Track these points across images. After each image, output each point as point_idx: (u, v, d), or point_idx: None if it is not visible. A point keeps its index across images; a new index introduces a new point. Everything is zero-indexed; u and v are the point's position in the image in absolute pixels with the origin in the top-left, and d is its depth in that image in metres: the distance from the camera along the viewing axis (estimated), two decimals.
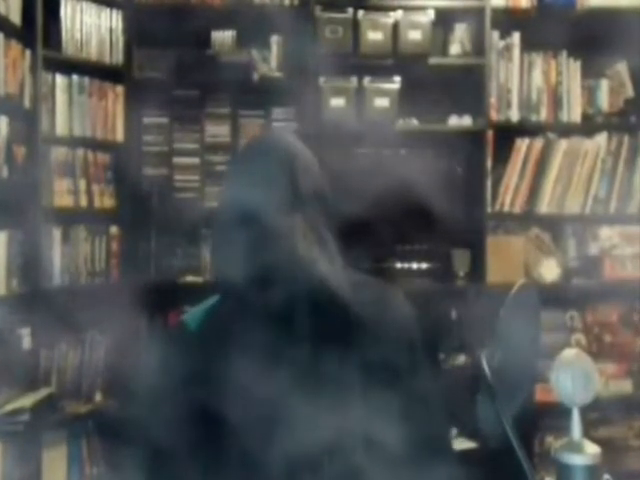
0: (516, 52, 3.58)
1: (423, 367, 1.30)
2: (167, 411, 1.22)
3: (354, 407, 1.19)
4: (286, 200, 1.24)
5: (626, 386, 3.52)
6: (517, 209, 3.56)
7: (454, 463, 1.34)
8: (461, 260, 3.54)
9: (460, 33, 3.60)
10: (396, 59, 3.47)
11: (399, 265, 3.57)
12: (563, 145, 3.58)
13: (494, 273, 3.43)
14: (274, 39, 3.61)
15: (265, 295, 1.19)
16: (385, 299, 1.32)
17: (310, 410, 1.15)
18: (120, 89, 3.54)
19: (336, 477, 1.17)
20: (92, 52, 3.44)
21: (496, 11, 3.49)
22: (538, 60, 3.60)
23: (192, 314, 1.30)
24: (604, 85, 3.63)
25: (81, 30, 3.40)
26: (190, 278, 3.55)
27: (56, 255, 3.31)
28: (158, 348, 1.31)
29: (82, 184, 3.41)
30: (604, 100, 3.63)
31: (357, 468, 1.17)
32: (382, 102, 3.46)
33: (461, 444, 3.14)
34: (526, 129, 3.58)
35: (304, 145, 1.35)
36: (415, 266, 3.58)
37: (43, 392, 3.15)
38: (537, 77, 3.60)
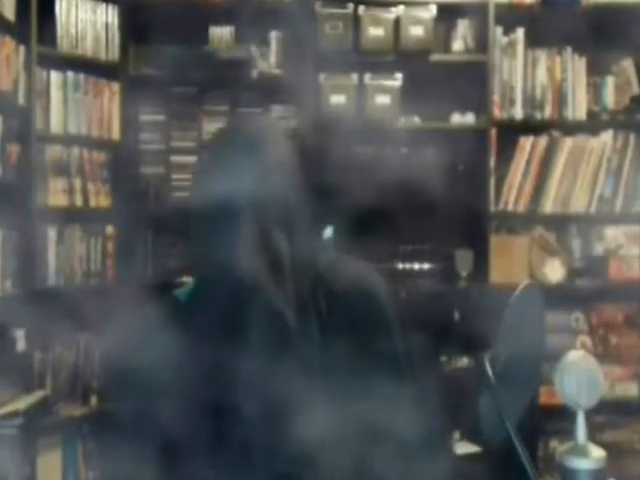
0: (520, 48, 3.55)
1: (391, 348, 1.29)
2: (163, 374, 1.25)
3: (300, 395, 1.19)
4: (238, 203, 1.26)
5: (632, 389, 3.51)
6: (521, 208, 3.54)
7: (439, 449, 1.34)
8: (464, 260, 3.52)
9: (463, 29, 3.58)
10: (397, 55, 3.46)
11: (401, 265, 3.56)
12: (568, 143, 3.55)
13: (497, 273, 3.42)
14: (273, 35, 3.59)
15: (214, 285, 1.28)
16: (350, 284, 1.31)
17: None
18: (116, 86, 3.52)
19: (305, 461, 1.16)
20: (87, 48, 3.42)
21: (500, 6, 3.47)
22: (542, 57, 3.57)
23: (184, 289, 1.38)
24: (610, 82, 3.60)
25: (76, 26, 3.38)
26: (187, 279, 3.50)
27: (51, 255, 3.31)
28: (153, 317, 1.37)
29: (77, 183, 3.40)
30: (610, 97, 3.60)
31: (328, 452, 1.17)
32: (383, 99, 3.45)
33: (464, 448, 3.10)
34: (530, 127, 3.56)
35: (277, 135, 1.36)
36: (417, 266, 3.58)
37: (38, 395, 3.14)
38: (541, 74, 3.56)
